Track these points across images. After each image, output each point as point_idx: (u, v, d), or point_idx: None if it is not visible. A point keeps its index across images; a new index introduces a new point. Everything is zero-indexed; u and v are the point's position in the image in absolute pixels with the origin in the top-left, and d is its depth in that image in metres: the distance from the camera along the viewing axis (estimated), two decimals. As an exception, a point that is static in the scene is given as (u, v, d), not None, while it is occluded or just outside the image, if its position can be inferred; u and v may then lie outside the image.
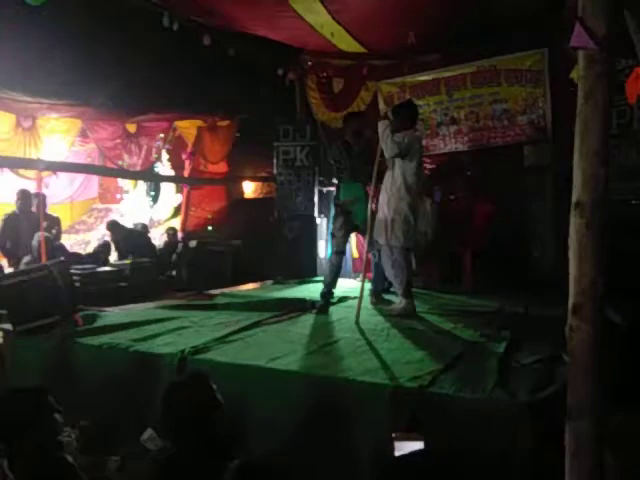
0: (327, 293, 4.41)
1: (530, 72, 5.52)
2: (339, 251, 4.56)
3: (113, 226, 6.96)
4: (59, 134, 6.50)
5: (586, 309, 1.45)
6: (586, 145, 1.49)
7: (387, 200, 4.04)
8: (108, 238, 7.01)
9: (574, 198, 1.52)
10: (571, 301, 1.48)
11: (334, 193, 5.30)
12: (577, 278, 1.47)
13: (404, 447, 1.64)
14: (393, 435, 1.74)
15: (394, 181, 4.01)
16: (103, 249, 6.45)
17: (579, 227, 1.47)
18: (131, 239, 6.71)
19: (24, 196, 5.70)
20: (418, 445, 1.65)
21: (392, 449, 1.68)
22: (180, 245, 7.10)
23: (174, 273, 6.57)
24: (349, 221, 4.50)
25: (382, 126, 4.03)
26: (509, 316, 3.84)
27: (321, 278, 6.14)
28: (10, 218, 5.66)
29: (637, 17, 1.73)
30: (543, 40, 5.34)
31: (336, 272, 4.51)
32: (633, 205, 4.67)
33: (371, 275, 4.66)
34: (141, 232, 7.15)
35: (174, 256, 6.89)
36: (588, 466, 1.43)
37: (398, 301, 4.12)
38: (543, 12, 4.82)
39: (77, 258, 5.93)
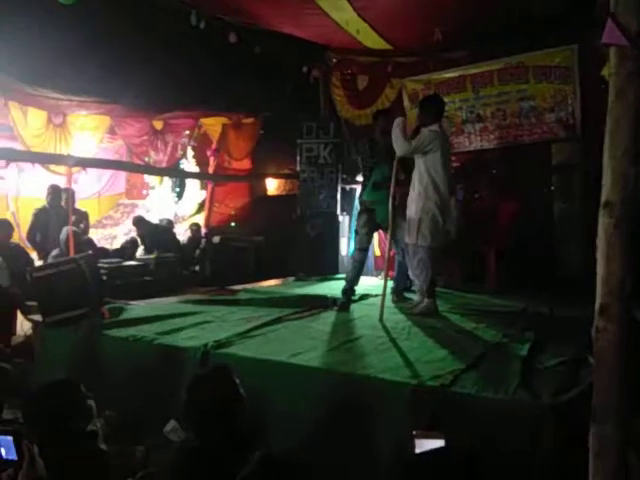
0: (349, 290, 4.40)
1: (559, 69, 5.41)
2: (362, 248, 4.55)
3: (138, 221, 7.08)
4: (88, 131, 6.63)
5: (613, 310, 1.43)
6: (616, 143, 1.46)
7: (415, 199, 4.00)
8: (134, 233, 7.14)
9: (603, 197, 1.49)
10: (598, 301, 1.46)
11: (358, 190, 5.29)
12: (604, 278, 1.44)
13: (424, 445, 1.63)
14: (413, 433, 1.74)
15: (421, 179, 3.96)
16: (130, 245, 6.57)
17: (607, 227, 1.45)
18: (156, 234, 6.83)
19: (54, 191, 5.84)
20: (438, 444, 1.65)
21: (412, 447, 1.67)
22: (203, 241, 7.20)
23: (197, 268, 6.66)
24: (372, 219, 4.49)
25: (395, 123, 3.99)
26: (533, 317, 3.79)
27: (343, 275, 6.16)
28: (40, 212, 5.82)
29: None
30: (573, 36, 5.23)
31: (359, 269, 4.50)
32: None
33: (393, 273, 4.64)
34: (166, 227, 7.26)
35: (197, 251, 6.99)
36: (612, 469, 1.40)
37: (420, 300, 4.10)
38: (573, 8, 4.72)
39: (104, 253, 6.07)
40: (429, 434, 1.69)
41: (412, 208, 4.00)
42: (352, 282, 4.43)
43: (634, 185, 1.49)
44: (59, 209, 5.82)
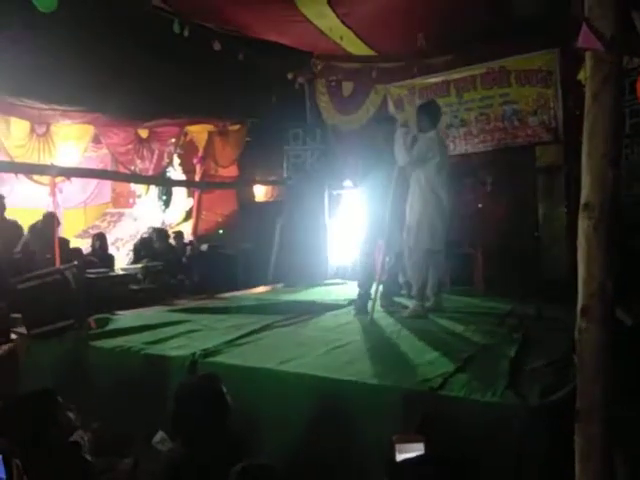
0: (364, 294, 4.33)
1: (541, 72, 5.49)
2: (368, 253, 4.52)
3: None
4: (72, 140, 6.59)
5: (595, 311, 1.44)
6: (594, 146, 1.48)
7: (414, 204, 4.04)
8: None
9: (582, 199, 1.51)
10: (580, 303, 1.47)
11: (346, 196, 5.27)
12: (586, 280, 1.46)
13: (412, 450, 1.63)
14: (393, 438, 1.74)
15: (420, 185, 4.01)
16: (98, 238, 6.51)
17: (587, 228, 1.46)
18: (164, 253, 6.74)
19: None
20: (427, 448, 1.65)
21: (397, 453, 1.68)
22: (189, 248, 7.14)
23: (183, 276, 6.61)
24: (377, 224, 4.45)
25: (398, 134, 4.04)
26: (521, 318, 3.81)
27: (331, 281, 6.18)
28: None
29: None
30: (554, 40, 5.31)
31: (368, 272, 4.43)
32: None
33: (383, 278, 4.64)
34: (173, 247, 7.16)
35: (184, 259, 6.94)
36: (598, 470, 1.41)
37: (411, 303, 4.13)
38: (554, 12, 4.79)
39: (90, 263, 6.00)
40: (411, 438, 1.69)
41: (411, 213, 4.05)
42: (365, 286, 4.37)
43: (614, 187, 1.51)
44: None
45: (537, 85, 5.53)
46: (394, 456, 1.66)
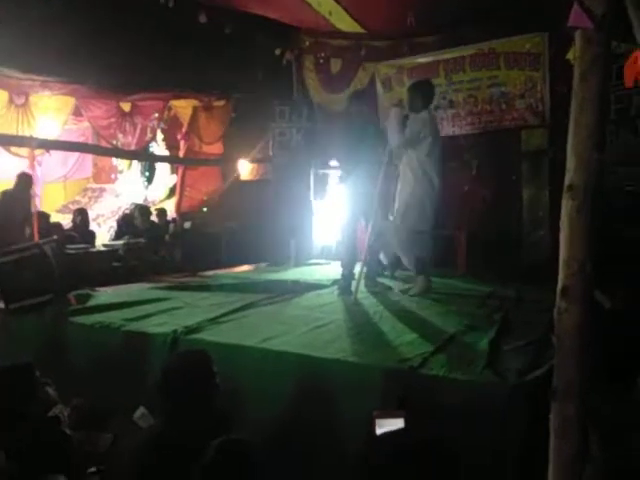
0: (348, 274, 4.31)
1: (529, 55, 5.46)
2: (351, 232, 4.52)
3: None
4: (52, 112, 6.42)
5: (575, 291, 1.45)
6: (580, 127, 1.48)
7: (404, 184, 4.04)
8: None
9: (567, 181, 1.51)
10: (560, 283, 1.49)
11: (332, 175, 5.21)
12: (567, 261, 1.47)
13: (392, 424, 1.65)
14: (382, 412, 1.76)
15: (411, 165, 4.00)
16: (79, 213, 6.42)
17: (570, 210, 1.47)
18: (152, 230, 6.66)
19: None
20: (400, 424, 1.67)
21: (374, 429, 1.70)
22: (172, 226, 7.07)
23: (167, 254, 6.55)
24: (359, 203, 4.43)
25: (392, 114, 4.01)
26: (502, 299, 3.86)
27: (315, 261, 6.18)
28: None
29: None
30: (544, 23, 5.27)
31: (352, 252, 4.43)
32: (629, 191, 4.68)
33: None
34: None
35: (166, 237, 6.87)
36: (573, 447, 1.44)
37: (414, 281, 4.14)
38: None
39: (71, 238, 5.91)
40: (391, 414, 1.71)
41: (402, 193, 4.05)
42: (348, 266, 4.35)
43: (598, 169, 1.51)
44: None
45: (525, 68, 5.50)
46: (374, 429, 1.67)
